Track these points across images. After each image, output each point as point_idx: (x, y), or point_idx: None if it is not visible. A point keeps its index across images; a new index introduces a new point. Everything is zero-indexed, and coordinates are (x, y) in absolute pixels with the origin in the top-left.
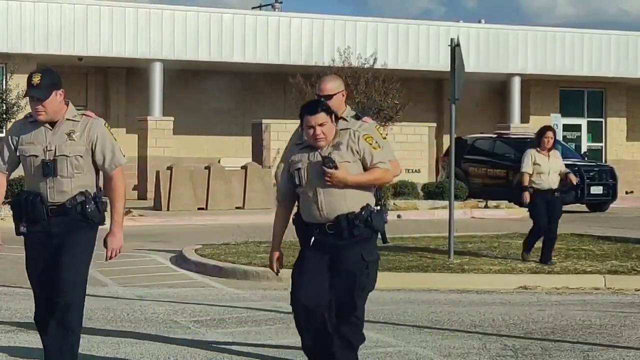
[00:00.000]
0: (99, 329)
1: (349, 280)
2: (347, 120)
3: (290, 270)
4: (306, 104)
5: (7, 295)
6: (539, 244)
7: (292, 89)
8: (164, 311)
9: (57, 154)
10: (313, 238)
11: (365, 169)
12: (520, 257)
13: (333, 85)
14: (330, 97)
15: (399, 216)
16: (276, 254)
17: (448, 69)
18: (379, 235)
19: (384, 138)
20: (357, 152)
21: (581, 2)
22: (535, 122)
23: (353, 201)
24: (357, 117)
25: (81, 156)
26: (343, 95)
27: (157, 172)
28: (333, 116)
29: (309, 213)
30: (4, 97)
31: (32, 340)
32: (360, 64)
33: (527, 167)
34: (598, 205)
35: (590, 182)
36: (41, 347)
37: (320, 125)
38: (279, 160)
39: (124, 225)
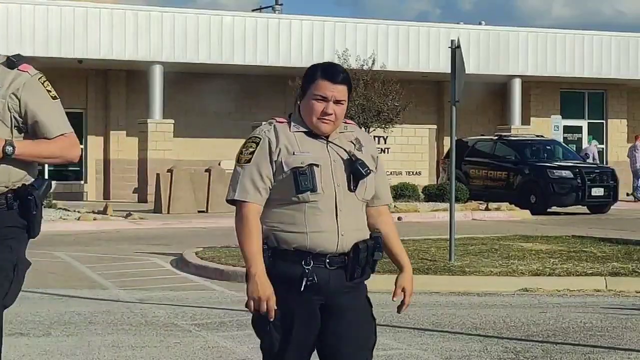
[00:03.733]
0: (99, 332)
1: (358, 339)
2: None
3: None
4: (324, 65)
5: None
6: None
7: (292, 92)
8: (164, 314)
9: None
10: (305, 279)
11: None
12: (522, 259)
13: None
14: None
15: (399, 218)
16: (269, 291)
17: (448, 70)
18: None
19: (54, 98)
20: (375, 161)
21: (577, 4)
22: (536, 124)
23: (365, 224)
24: (11, 64)
25: None
26: None
27: (158, 175)
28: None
29: (314, 238)
30: None
31: (32, 343)
32: (359, 65)
33: None
34: (599, 207)
35: (591, 184)
36: (41, 350)
37: (337, 102)
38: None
39: (125, 228)
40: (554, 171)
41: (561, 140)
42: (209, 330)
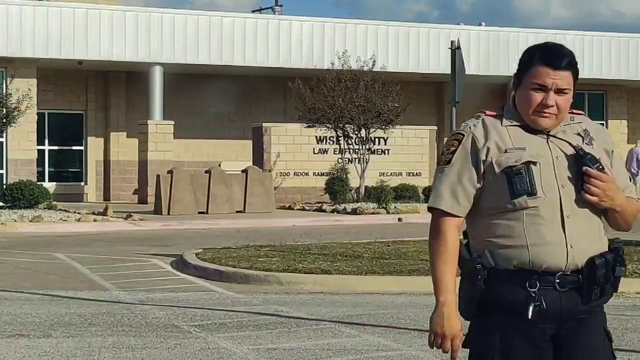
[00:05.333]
0: (100, 333)
1: None
2: None
3: (293, 274)
4: (543, 47)
5: (8, 300)
6: None
7: (292, 93)
8: (165, 315)
9: None
10: (533, 304)
11: None
12: None
13: None
14: None
15: (399, 219)
16: (456, 328)
17: (449, 71)
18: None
19: None
20: (609, 156)
21: (575, 4)
22: None
23: (602, 233)
24: None
25: None
26: None
27: (158, 176)
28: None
29: (537, 252)
30: (4, 101)
31: (33, 344)
32: (359, 66)
33: None
34: None
35: None
36: (41, 351)
37: (559, 92)
38: (277, 164)
39: (125, 229)
40: None
41: None
42: (209, 332)
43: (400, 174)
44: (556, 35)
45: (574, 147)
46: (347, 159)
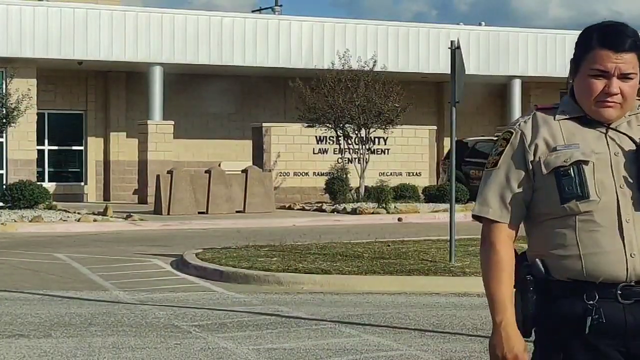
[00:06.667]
0: (100, 333)
1: None
2: None
3: (293, 274)
4: (602, 27)
5: (8, 300)
6: None
7: (292, 92)
8: (165, 315)
9: None
10: (590, 317)
11: None
12: None
13: None
14: None
15: (400, 219)
16: (518, 347)
17: (448, 71)
18: None
19: None
20: None
21: (573, 5)
22: None
23: None
24: None
25: None
26: None
27: (158, 176)
28: None
29: (591, 262)
30: (4, 101)
31: (33, 345)
32: (360, 66)
33: None
34: None
35: None
36: (41, 351)
37: (623, 77)
38: (277, 164)
39: (125, 229)
40: None
41: None
42: (209, 332)
43: (400, 173)
44: (556, 35)
45: (634, 141)
46: (347, 159)
